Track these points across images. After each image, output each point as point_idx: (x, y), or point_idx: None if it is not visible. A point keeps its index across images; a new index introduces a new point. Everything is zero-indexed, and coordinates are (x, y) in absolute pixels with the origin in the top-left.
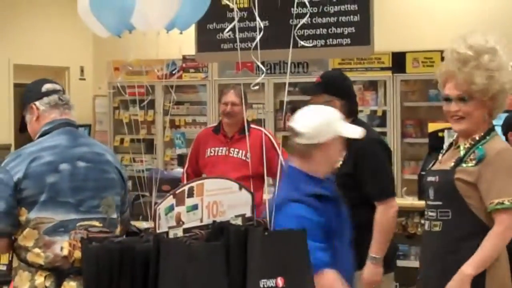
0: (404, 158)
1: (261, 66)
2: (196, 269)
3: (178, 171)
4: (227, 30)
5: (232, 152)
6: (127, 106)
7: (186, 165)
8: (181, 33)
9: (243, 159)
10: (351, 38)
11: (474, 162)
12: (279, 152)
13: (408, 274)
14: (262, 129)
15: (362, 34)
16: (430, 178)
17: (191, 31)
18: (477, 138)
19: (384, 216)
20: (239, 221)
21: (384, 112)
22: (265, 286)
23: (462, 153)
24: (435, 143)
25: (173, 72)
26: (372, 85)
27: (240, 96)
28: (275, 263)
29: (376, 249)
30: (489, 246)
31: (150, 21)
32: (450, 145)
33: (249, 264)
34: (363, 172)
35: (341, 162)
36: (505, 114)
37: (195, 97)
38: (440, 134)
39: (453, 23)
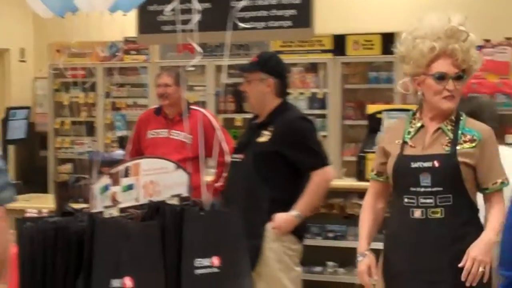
0: (344, 140)
1: (198, 48)
2: (131, 248)
3: (119, 153)
4: (166, 10)
5: (173, 134)
6: (68, 89)
7: (130, 147)
8: (125, 14)
9: (184, 141)
10: (292, 20)
11: (472, 143)
12: (219, 133)
13: (346, 254)
14: (203, 110)
15: (303, 17)
16: (419, 164)
17: (133, 13)
18: (453, 118)
19: (321, 181)
20: (175, 201)
21: (324, 95)
22: (200, 265)
23: (450, 135)
24: (374, 125)
25: (115, 54)
26: (313, 68)
27: (173, 78)
28: (210, 243)
29: (302, 207)
30: (501, 218)
31: (94, 3)
32: (420, 127)
33: (185, 244)
34: (294, 150)
35: (264, 139)
36: None
37: (136, 79)
38: (378, 115)
39: (393, 6)
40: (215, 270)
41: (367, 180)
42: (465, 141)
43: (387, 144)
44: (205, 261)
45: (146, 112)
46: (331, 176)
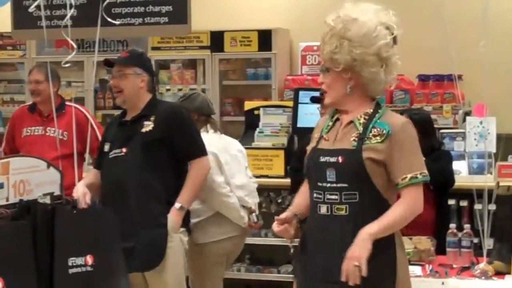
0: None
1: (72, 43)
2: (1, 248)
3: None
4: (32, 7)
5: (49, 131)
6: None
7: (3, 145)
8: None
9: (60, 138)
10: (169, 16)
11: (380, 138)
12: (95, 128)
13: None
14: (78, 106)
15: (180, 13)
16: (326, 158)
17: (8, 8)
18: (369, 112)
19: (200, 171)
20: (47, 200)
21: (203, 91)
22: (74, 264)
23: (360, 129)
24: (252, 121)
25: None
26: (191, 64)
27: (45, 74)
28: (83, 241)
29: (185, 199)
30: (398, 213)
31: None
32: (336, 121)
33: (57, 243)
34: (178, 135)
35: (148, 129)
36: None
37: (13, 75)
38: (256, 112)
39: (271, 3)
40: (89, 269)
41: None
42: (374, 136)
43: (312, 139)
44: (79, 260)
45: (19, 109)
46: (209, 167)
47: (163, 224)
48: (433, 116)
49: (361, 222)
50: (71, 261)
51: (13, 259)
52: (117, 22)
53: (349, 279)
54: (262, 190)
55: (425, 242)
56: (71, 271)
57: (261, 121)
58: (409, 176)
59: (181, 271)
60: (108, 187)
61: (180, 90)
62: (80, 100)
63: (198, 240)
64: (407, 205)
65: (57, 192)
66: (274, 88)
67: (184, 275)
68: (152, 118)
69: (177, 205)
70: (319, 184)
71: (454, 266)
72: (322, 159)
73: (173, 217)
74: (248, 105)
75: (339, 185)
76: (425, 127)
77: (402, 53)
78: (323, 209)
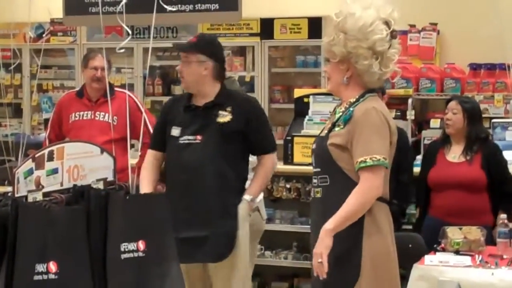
0: (272, 123)
1: (127, 29)
2: (56, 233)
3: (44, 135)
4: None
5: (98, 115)
6: None
7: (48, 131)
8: None
9: (109, 122)
10: (219, 3)
11: (342, 124)
12: (144, 114)
13: (273, 237)
14: (126, 91)
15: (230, 0)
16: (313, 146)
17: None
18: (352, 100)
19: (270, 166)
20: (100, 185)
21: (252, 78)
22: (126, 249)
23: (336, 117)
24: (301, 109)
25: (42, 35)
26: (240, 51)
27: (107, 60)
28: (136, 227)
29: (254, 191)
30: (351, 203)
31: None
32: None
33: (110, 228)
34: (255, 130)
35: (226, 120)
36: None
37: (63, 61)
38: (305, 99)
39: None
40: (141, 254)
41: (294, 164)
42: (341, 123)
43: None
44: (131, 246)
45: (66, 95)
46: (276, 162)
47: (235, 214)
48: (484, 106)
49: (331, 204)
50: (123, 246)
51: (67, 243)
52: (173, 9)
53: (318, 274)
54: (310, 178)
55: (475, 232)
56: (123, 256)
57: (310, 108)
58: (359, 160)
59: (248, 263)
60: (179, 174)
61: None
62: (129, 87)
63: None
64: (360, 192)
65: (110, 177)
66: (324, 75)
67: (251, 266)
68: (228, 109)
69: (247, 197)
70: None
71: (505, 256)
72: (312, 146)
73: (245, 208)
74: (298, 92)
75: (316, 169)
76: (473, 116)
77: (453, 42)
78: (312, 193)
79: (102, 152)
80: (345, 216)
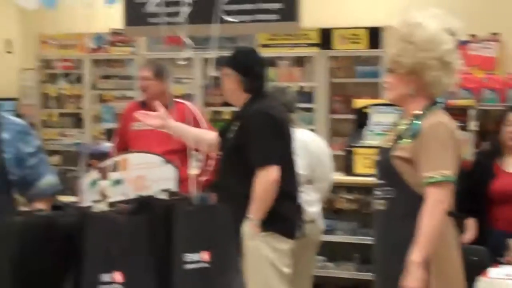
0: (332, 134)
1: (188, 40)
2: (121, 243)
3: (106, 145)
4: (152, 2)
5: None
6: (55, 80)
7: (116, 140)
8: (110, 6)
9: (167, 133)
10: (279, 14)
11: (410, 137)
12: (205, 125)
13: (335, 249)
14: (187, 103)
15: (290, 10)
16: (377, 158)
17: (120, 5)
18: (417, 113)
19: (260, 182)
20: (164, 196)
21: (311, 88)
22: (190, 260)
23: (401, 129)
24: (362, 119)
25: (101, 46)
26: (299, 61)
27: (153, 71)
28: (200, 237)
29: (252, 210)
30: (425, 225)
31: None
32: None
33: (174, 239)
34: (247, 141)
35: (231, 135)
36: None
37: (123, 71)
38: (365, 110)
39: (379, 1)
40: (205, 265)
41: (355, 175)
42: (406, 135)
43: None
44: (195, 256)
45: (130, 104)
46: (272, 178)
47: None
48: None
49: (395, 217)
50: (187, 256)
51: (131, 254)
52: (234, 20)
53: None
54: (371, 189)
55: None
56: (187, 266)
57: (371, 119)
58: (427, 175)
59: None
60: (213, 185)
61: (288, 87)
62: (189, 97)
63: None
64: (430, 210)
65: (173, 188)
66: (383, 86)
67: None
68: (236, 123)
69: (249, 215)
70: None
71: None
72: (376, 158)
73: (245, 226)
74: (358, 103)
75: (380, 181)
76: None
77: None
78: (374, 205)
79: (165, 162)
80: (427, 240)
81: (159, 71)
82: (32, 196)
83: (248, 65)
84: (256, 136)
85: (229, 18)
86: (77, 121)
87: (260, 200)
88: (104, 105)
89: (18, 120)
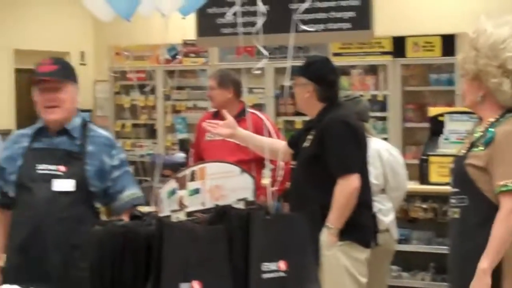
0: (405, 142)
1: (264, 51)
2: (199, 252)
3: (179, 156)
4: (229, 13)
5: None
6: (128, 91)
7: (192, 150)
8: (183, 18)
9: (239, 143)
10: (352, 22)
11: (483, 145)
12: (276, 135)
13: (409, 258)
14: (258, 113)
15: (363, 19)
16: (451, 166)
17: (192, 16)
18: (492, 120)
19: (342, 191)
20: (241, 205)
21: (384, 97)
22: (268, 269)
23: (475, 136)
24: (436, 128)
25: (175, 57)
26: (372, 70)
27: (217, 80)
28: (277, 247)
29: (331, 219)
30: (496, 234)
31: (160, 8)
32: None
33: (251, 248)
34: (326, 150)
35: (307, 144)
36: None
37: (195, 81)
38: (440, 118)
39: (453, 8)
40: (282, 274)
41: (430, 184)
42: (481, 143)
43: None
44: (272, 265)
45: (205, 115)
46: (353, 186)
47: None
48: None
49: (469, 226)
50: (265, 266)
51: (209, 263)
52: (310, 29)
53: None
54: (446, 198)
55: None
56: (265, 276)
57: (446, 127)
58: (500, 183)
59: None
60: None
61: (361, 96)
62: (261, 107)
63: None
64: (504, 218)
65: (250, 197)
66: (458, 93)
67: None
68: (313, 132)
69: (327, 224)
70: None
71: None
72: (451, 166)
73: (323, 235)
74: (433, 111)
75: (454, 189)
76: None
77: None
78: (449, 213)
79: (241, 172)
80: (497, 248)
81: (223, 80)
82: (117, 209)
83: (322, 74)
84: (335, 144)
85: (306, 27)
86: (150, 131)
87: (341, 209)
88: (177, 115)
89: (105, 133)
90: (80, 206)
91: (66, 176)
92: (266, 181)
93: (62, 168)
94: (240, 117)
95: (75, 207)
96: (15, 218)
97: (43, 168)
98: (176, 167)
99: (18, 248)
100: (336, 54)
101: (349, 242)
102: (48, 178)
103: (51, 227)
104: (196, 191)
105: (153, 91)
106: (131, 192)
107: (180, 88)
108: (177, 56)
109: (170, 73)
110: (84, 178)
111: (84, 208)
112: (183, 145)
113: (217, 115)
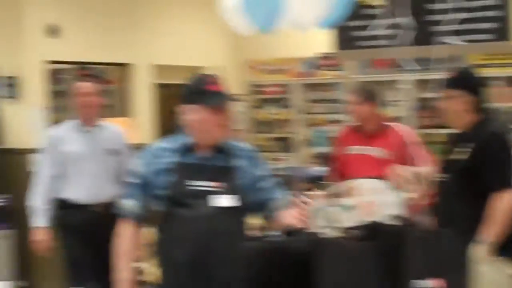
0: None
1: (412, 63)
2: (350, 268)
3: (317, 169)
4: (371, 26)
5: (370, 150)
6: (264, 105)
7: (332, 165)
8: (321, 31)
9: (381, 158)
10: (491, 33)
11: None
12: (419, 149)
13: None
14: (399, 125)
15: (503, 29)
16: None
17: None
18: None
19: (500, 206)
20: (393, 221)
21: None
22: (419, 287)
23: None
24: None
25: (311, 70)
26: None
27: (361, 95)
28: (431, 264)
29: (488, 234)
30: None
31: (303, 20)
32: None
33: (404, 265)
34: (481, 164)
35: (461, 157)
36: None
37: (331, 95)
38: None
39: None
40: None
41: None
42: None
43: None
44: (426, 283)
45: (346, 128)
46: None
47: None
48: None
49: None
50: (417, 283)
51: (361, 279)
52: (456, 42)
53: None
54: None
55: None
56: None
57: None
58: None
59: None
60: (436, 210)
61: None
62: (399, 120)
63: None
64: None
65: (401, 213)
66: None
67: None
68: (470, 145)
69: (481, 237)
70: None
71: None
72: None
73: (476, 250)
74: None
75: None
76: None
77: None
78: None
79: (392, 188)
80: None
81: (368, 95)
82: (268, 215)
83: (478, 85)
84: (494, 159)
85: (447, 40)
86: (286, 145)
87: (498, 224)
88: (315, 129)
89: (246, 145)
90: (237, 220)
91: (222, 192)
92: (413, 195)
93: (216, 183)
94: (381, 131)
95: (234, 222)
96: (173, 234)
97: (198, 184)
98: (314, 180)
99: (185, 265)
100: (475, 66)
101: (503, 258)
102: (204, 194)
103: (217, 244)
104: (349, 207)
105: (289, 104)
106: (280, 198)
107: (316, 101)
108: (312, 69)
109: (306, 87)
110: (239, 193)
111: (240, 223)
112: (323, 158)
113: (359, 130)
